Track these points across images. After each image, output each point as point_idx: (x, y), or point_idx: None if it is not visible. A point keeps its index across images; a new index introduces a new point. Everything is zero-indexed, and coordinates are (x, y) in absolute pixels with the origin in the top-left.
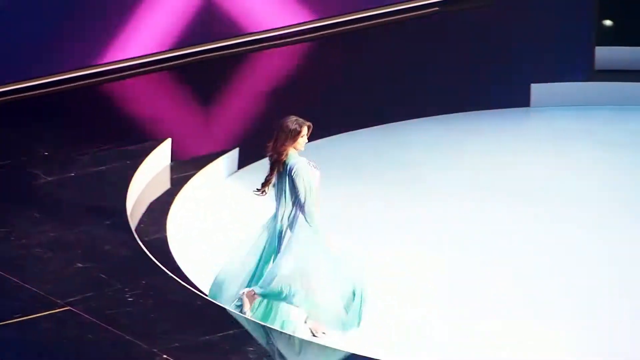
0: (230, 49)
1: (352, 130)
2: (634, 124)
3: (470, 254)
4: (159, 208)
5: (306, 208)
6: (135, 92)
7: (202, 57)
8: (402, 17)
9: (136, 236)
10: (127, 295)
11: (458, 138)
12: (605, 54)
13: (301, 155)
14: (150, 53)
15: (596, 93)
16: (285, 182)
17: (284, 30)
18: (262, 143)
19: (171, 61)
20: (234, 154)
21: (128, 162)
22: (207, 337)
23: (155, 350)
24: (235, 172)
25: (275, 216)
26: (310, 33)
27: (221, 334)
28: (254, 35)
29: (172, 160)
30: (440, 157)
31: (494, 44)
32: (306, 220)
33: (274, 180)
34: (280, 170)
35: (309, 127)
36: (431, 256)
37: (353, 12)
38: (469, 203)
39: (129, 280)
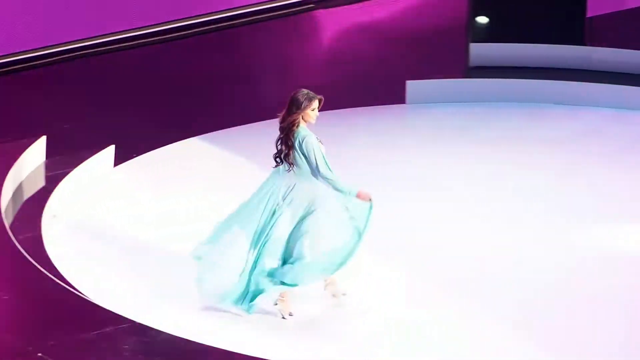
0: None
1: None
2: (506, 122)
3: None
4: (34, 206)
5: (323, 174)
6: (6, 91)
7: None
8: (269, 16)
9: (10, 234)
10: (2, 294)
11: (335, 135)
12: (480, 51)
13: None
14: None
15: (471, 90)
16: (296, 156)
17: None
18: (136, 141)
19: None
20: (109, 151)
21: (1, 159)
22: (83, 335)
23: (30, 348)
24: (111, 169)
25: (271, 192)
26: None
27: (97, 332)
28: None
29: (46, 158)
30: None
31: (369, 41)
32: (332, 186)
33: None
34: (290, 145)
35: (320, 100)
36: None
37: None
38: None
39: (3, 278)
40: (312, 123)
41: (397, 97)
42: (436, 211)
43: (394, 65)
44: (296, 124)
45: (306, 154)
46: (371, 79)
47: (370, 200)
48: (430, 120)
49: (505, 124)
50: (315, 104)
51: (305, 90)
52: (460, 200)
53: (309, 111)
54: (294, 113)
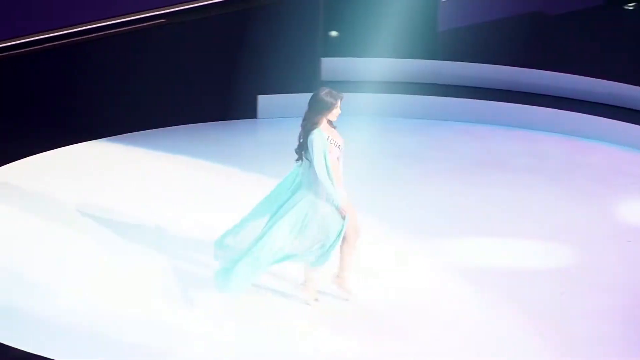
0: None
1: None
2: (356, 135)
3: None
4: None
5: (317, 171)
6: None
7: None
8: (132, 28)
9: None
10: None
11: (187, 150)
12: (331, 65)
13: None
14: None
15: None
16: (308, 152)
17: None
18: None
19: None
20: None
21: None
22: None
23: None
24: None
25: (291, 181)
26: None
27: None
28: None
29: None
30: (169, 168)
31: (219, 55)
32: (324, 187)
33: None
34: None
35: (341, 99)
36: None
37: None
38: (198, 214)
39: None
40: (334, 120)
41: (248, 111)
42: None
43: (245, 79)
44: (320, 123)
45: (310, 150)
46: (222, 93)
47: (343, 217)
48: (281, 135)
49: (356, 138)
50: (339, 102)
51: (327, 89)
52: None
53: (333, 110)
54: (320, 113)
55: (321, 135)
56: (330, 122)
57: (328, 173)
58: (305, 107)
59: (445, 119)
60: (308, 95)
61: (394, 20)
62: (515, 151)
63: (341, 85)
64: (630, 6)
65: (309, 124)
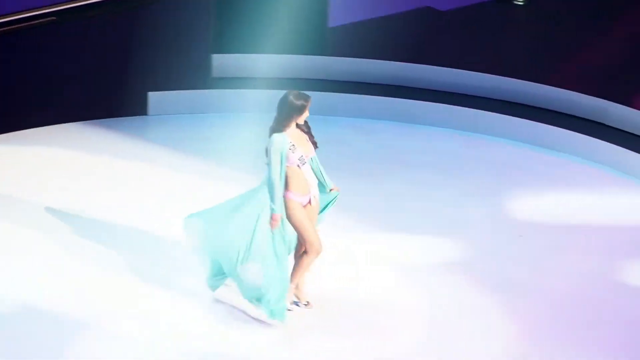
0: None
1: None
2: (248, 132)
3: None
4: None
5: (268, 171)
6: None
7: None
8: (18, 27)
9: None
10: None
11: (76, 146)
12: (221, 62)
13: None
14: None
15: (214, 100)
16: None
17: None
18: None
19: None
20: None
21: None
22: None
23: None
24: None
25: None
26: None
27: None
28: None
29: None
30: (56, 166)
31: (109, 51)
32: (269, 191)
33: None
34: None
35: (310, 101)
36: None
37: None
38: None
39: None
40: (301, 123)
41: (139, 108)
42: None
43: (135, 76)
44: (286, 128)
45: (268, 152)
46: (112, 90)
47: (272, 230)
48: (172, 132)
49: (247, 134)
50: (308, 105)
51: (295, 92)
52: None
53: (305, 112)
54: (290, 117)
55: (282, 139)
56: (301, 128)
57: (277, 179)
58: (197, 103)
59: (337, 114)
60: (199, 92)
61: (285, 16)
62: (410, 147)
63: (232, 81)
64: (519, 1)
65: (276, 128)
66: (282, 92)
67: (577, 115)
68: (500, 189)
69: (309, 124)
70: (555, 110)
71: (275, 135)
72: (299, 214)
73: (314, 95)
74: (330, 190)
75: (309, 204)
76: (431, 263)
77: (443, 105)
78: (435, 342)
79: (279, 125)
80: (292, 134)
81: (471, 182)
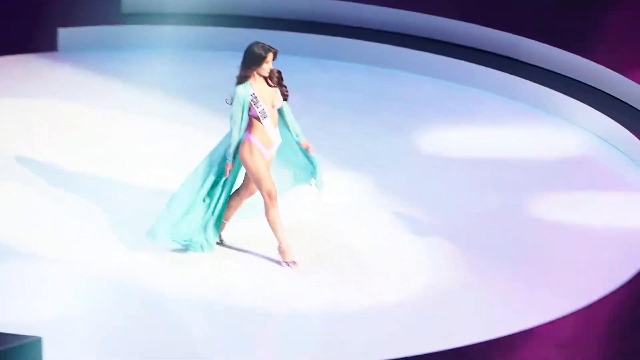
0: None
1: None
2: (161, 66)
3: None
4: None
5: (230, 118)
6: None
7: None
8: None
9: None
10: None
11: None
12: None
13: None
14: None
15: (124, 36)
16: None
17: None
18: None
19: None
20: None
21: None
22: None
23: None
24: None
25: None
26: None
27: None
28: None
29: None
30: None
31: None
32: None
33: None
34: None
35: (274, 53)
36: None
37: None
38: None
39: None
40: (264, 75)
41: (49, 44)
42: (95, 158)
43: (45, 11)
44: (250, 77)
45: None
46: (21, 26)
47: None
48: (83, 68)
49: (161, 70)
50: (270, 56)
51: (260, 43)
52: (118, 146)
53: (264, 65)
54: (249, 67)
55: (244, 90)
56: (270, 80)
57: (235, 128)
58: (108, 39)
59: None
60: (109, 28)
61: None
62: (324, 83)
63: (143, 17)
64: None
65: (238, 78)
66: (192, 28)
67: (490, 51)
68: (414, 125)
69: (282, 75)
70: (469, 46)
71: (238, 87)
72: (258, 160)
73: (223, 31)
74: (301, 144)
75: (269, 160)
76: (344, 202)
77: (357, 41)
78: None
79: (241, 75)
80: (256, 86)
81: (386, 118)
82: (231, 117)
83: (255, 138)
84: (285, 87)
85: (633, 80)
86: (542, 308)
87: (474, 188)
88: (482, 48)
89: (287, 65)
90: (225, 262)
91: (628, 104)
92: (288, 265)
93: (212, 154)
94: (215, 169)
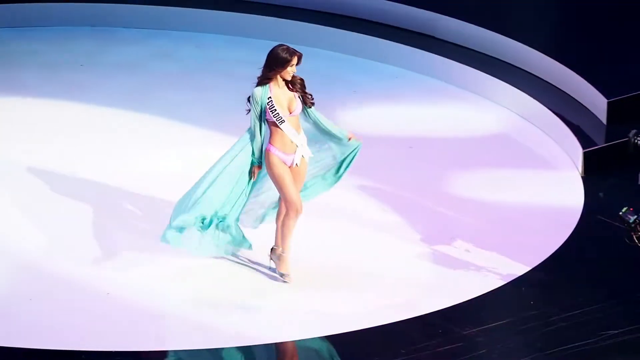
0: None
1: None
2: (77, 45)
3: None
4: None
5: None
6: None
7: None
8: None
9: None
10: None
11: None
12: None
13: None
14: None
15: (39, 14)
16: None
17: None
18: None
19: None
20: None
21: None
22: None
23: None
24: None
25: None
26: None
27: None
28: None
29: None
30: None
31: None
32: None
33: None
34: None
35: (299, 57)
36: None
37: None
38: None
39: None
40: (288, 79)
41: None
42: None
43: None
44: (273, 80)
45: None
46: None
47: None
48: None
49: (77, 48)
50: (295, 60)
51: (284, 46)
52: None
53: (288, 68)
54: (274, 70)
55: (260, 92)
56: (292, 86)
57: (256, 131)
58: (23, 17)
59: (167, 27)
60: (34, 6)
61: None
62: (238, 59)
63: None
64: None
65: (259, 78)
66: (110, 6)
67: (408, 28)
68: (330, 101)
69: (305, 82)
70: (385, 23)
71: (255, 89)
72: (278, 169)
73: (140, 9)
74: (349, 139)
75: (295, 166)
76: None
77: (270, 19)
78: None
79: (262, 77)
80: (276, 90)
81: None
82: (251, 120)
83: (274, 148)
84: (310, 95)
85: (550, 57)
86: (464, 287)
87: (394, 166)
88: (399, 25)
89: (203, 41)
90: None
91: (545, 81)
92: (281, 276)
93: (231, 154)
94: (237, 169)
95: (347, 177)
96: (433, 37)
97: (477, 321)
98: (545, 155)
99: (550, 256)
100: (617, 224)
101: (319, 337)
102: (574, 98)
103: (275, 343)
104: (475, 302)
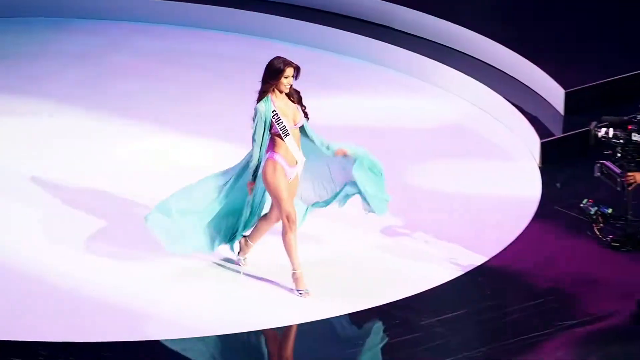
0: None
1: None
2: (31, 36)
3: None
4: None
5: (253, 138)
6: None
7: None
8: None
9: None
10: None
11: None
12: None
13: None
14: None
15: None
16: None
17: None
18: None
19: None
20: None
21: None
22: None
23: None
24: None
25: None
26: None
27: None
28: None
29: None
30: None
31: None
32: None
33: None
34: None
35: (295, 68)
36: None
37: None
38: None
39: None
40: (284, 91)
41: None
42: None
43: None
44: (266, 94)
45: (253, 118)
46: None
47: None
48: None
49: (30, 38)
50: (290, 71)
51: (281, 58)
52: None
53: (282, 79)
54: (268, 82)
55: (265, 106)
56: (291, 96)
57: (257, 146)
58: None
59: (127, 19)
60: None
61: None
62: (193, 50)
63: None
64: None
65: (260, 92)
66: None
67: (364, 19)
68: None
69: (301, 95)
70: (343, 14)
71: (258, 105)
72: (279, 177)
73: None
74: (336, 152)
75: (290, 178)
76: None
77: (228, 9)
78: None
79: (260, 90)
80: (278, 102)
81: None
82: (254, 135)
83: (279, 156)
84: (305, 107)
85: (507, 47)
86: (422, 277)
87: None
88: (357, 17)
89: (162, 33)
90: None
91: (503, 72)
92: (300, 293)
93: (234, 169)
94: (233, 185)
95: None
96: (391, 28)
97: (435, 311)
98: (503, 146)
99: (508, 247)
100: (574, 214)
101: (276, 328)
102: (531, 89)
103: (219, 335)
104: (433, 292)
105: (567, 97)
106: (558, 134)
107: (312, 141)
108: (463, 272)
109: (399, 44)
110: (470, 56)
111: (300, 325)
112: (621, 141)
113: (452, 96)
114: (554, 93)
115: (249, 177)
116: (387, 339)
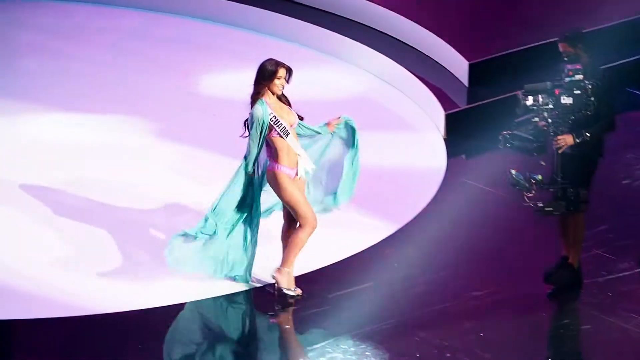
0: None
1: None
2: None
3: None
4: None
5: (248, 146)
6: None
7: None
8: None
9: None
10: None
11: None
12: None
13: None
14: None
15: None
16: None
17: None
18: None
19: None
20: None
21: None
22: None
23: None
24: None
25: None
26: None
27: None
28: None
29: None
30: None
31: None
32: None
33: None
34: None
35: (287, 70)
36: None
37: None
38: None
39: None
40: (278, 93)
41: None
42: None
43: None
44: (260, 95)
45: (250, 123)
46: None
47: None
48: None
49: None
50: (282, 72)
51: (273, 60)
52: None
53: (275, 80)
54: (261, 84)
55: (262, 110)
56: (281, 99)
57: (254, 148)
58: None
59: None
60: None
61: None
62: (100, 27)
63: None
64: None
65: (252, 96)
66: None
67: None
68: (193, 68)
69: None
70: None
71: (255, 108)
72: (290, 187)
73: None
74: (327, 124)
75: (296, 177)
76: (118, 143)
77: None
78: None
79: (253, 93)
80: (273, 105)
81: (162, 61)
82: (250, 139)
83: (281, 166)
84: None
85: (410, 20)
86: (328, 250)
87: None
88: None
89: (66, 10)
90: None
91: (406, 44)
92: (287, 291)
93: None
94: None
95: (206, 146)
96: (291, 1)
97: (342, 284)
98: (407, 118)
99: (414, 218)
100: (480, 185)
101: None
102: (435, 60)
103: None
104: (340, 265)
105: (471, 68)
106: (462, 105)
107: (310, 136)
108: (370, 245)
109: (301, 17)
110: (374, 29)
111: (202, 301)
112: (550, 106)
113: (355, 68)
114: (458, 65)
115: (249, 169)
116: (294, 313)
